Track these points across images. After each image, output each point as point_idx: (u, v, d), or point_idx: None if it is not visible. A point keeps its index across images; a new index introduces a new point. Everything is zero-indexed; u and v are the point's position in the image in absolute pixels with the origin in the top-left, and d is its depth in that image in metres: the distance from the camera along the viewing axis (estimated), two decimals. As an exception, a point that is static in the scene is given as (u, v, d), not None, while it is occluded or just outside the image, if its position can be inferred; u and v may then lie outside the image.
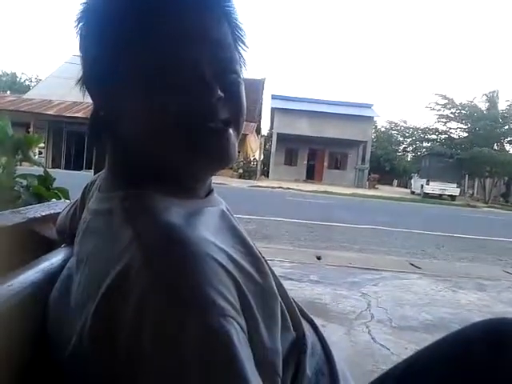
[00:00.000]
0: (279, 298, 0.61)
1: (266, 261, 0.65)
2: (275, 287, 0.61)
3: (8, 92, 41.91)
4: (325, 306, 3.51)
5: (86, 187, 0.80)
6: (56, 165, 23.72)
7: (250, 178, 26.64)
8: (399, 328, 3.14)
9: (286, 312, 0.64)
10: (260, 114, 34.60)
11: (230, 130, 0.61)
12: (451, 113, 33.02)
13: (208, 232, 0.55)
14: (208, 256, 0.49)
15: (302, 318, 0.70)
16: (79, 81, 0.62)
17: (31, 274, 0.68)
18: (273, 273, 0.65)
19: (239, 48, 0.65)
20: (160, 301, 0.44)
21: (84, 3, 0.60)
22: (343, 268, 4.92)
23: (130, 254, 0.48)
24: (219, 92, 0.57)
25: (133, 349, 0.44)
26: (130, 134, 0.60)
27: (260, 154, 30.98)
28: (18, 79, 56.35)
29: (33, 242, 0.93)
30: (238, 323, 0.46)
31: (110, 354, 0.45)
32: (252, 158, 29.19)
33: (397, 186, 40.34)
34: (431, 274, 4.99)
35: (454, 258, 6.77)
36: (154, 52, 0.56)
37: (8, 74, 55.38)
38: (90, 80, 0.62)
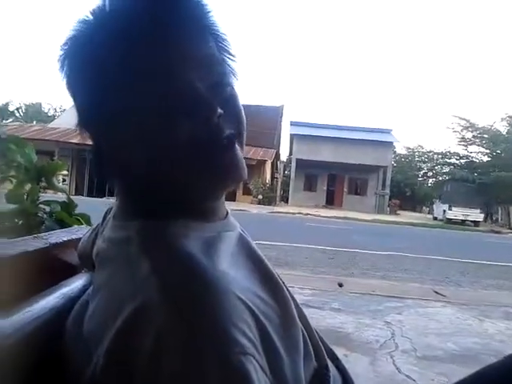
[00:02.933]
0: (301, 326, 0.59)
1: (285, 286, 0.63)
2: (296, 315, 0.59)
3: (34, 122, 43.09)
4: (347, 335, 3.44)
5: (106, 212, 0.79)
6: (79, 192, 24.09)
7: (269, 204, 26.63)
8: (425, 358, 3.05)
9: (309, 340, 0.62)
10: (279, 141, 34.83)
11: (236, 145, 0.59)
12: (472, 136, 32.80)
13: (227, 262, 0.54)
14: (227, 290, 0.48)
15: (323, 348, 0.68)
16: (77, 125, 0.60)
17: (51, 300, 0.68)
18: (293, 299, 0.63)
19: (227, 59, 0.63)
20: (178, 338, 0.43)
21: (63, 46, 0.58)
22: (366, 296, 4.82)
23: (148, 289, 0.47)
24: (219, 109, 0.55)
25: None
26: (136, 164, 0.58)
27: (277, 180, 31.04)
28: (43, 109, 57.94)
29: (54, 267, 0.93)
30: (257, 361, 0.45)
31: None
32: (269, 184, 29.15)
33: (419, 212, 39.76)
34: (456, 302, 4.87)
35: (479, 286, 6.59)
36: (144, 81, 0.54)
37: (34, 105, 57.00)
38: (85, 120, 0.60)
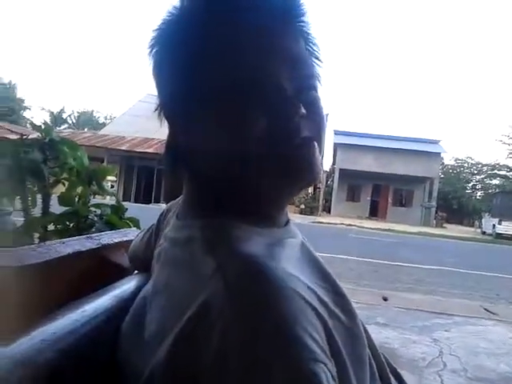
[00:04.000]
0: (367, 344, 0.55)
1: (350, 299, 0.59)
2: (363, 332, 0.55)
3: (85, 129, 44.72)
4: (393, 350, 3.33)
5: (161, 214, 0.79)
6: (126, 198, 24.68)
7: (311, 214, 26.46)
8: (476, 379, 2.90)
9: (373, 360, 0.58)
10: (323, 150, 34.55)
11: (315, 144, 0.58)
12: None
13: (291, 265, 0.51)
14: (294, 292, 0.44)
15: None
16: (156, 109, 0.61)
17: (104, 301, 0.68)
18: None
19: (315, 64, 0.63)
20: (245, 340, 0.40)
21: (156, 29, 0.59)
22: (411, 311, 4.67)
23: (213, 287, 0.45)
24: (302, 109, 0.54)
25: None
26: (210, 159, 0.57)
27: (320, 190, 30.78)
28: (94, 117, 59.99)
29: (105, 267, 0.94)
30: (328, 370, 0.41)
31: None
32: (311, 194, 28.96)
33: (466, 226, 38.41)
34: (508, 321, 4.64)
35: (534, 305, 6.27)
36: (233, 72, 0.54)
37: (85, 112, 59.10)
38: (167, 106, 0.60)
